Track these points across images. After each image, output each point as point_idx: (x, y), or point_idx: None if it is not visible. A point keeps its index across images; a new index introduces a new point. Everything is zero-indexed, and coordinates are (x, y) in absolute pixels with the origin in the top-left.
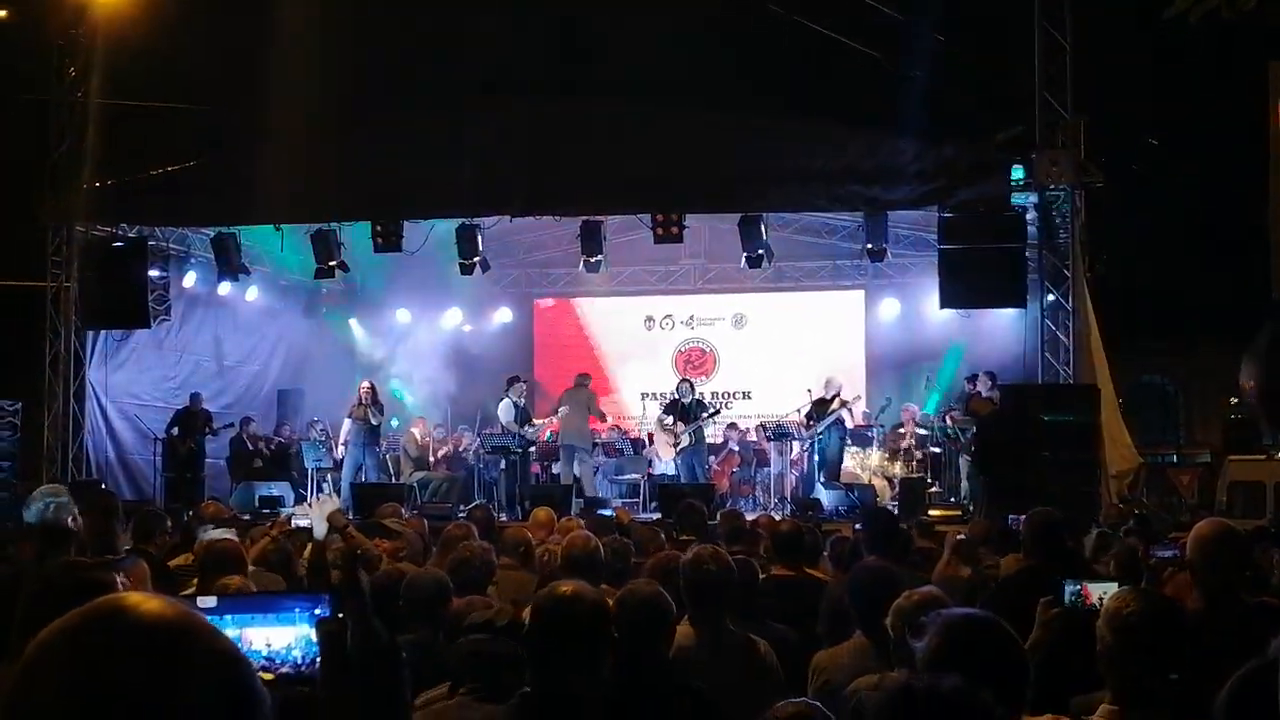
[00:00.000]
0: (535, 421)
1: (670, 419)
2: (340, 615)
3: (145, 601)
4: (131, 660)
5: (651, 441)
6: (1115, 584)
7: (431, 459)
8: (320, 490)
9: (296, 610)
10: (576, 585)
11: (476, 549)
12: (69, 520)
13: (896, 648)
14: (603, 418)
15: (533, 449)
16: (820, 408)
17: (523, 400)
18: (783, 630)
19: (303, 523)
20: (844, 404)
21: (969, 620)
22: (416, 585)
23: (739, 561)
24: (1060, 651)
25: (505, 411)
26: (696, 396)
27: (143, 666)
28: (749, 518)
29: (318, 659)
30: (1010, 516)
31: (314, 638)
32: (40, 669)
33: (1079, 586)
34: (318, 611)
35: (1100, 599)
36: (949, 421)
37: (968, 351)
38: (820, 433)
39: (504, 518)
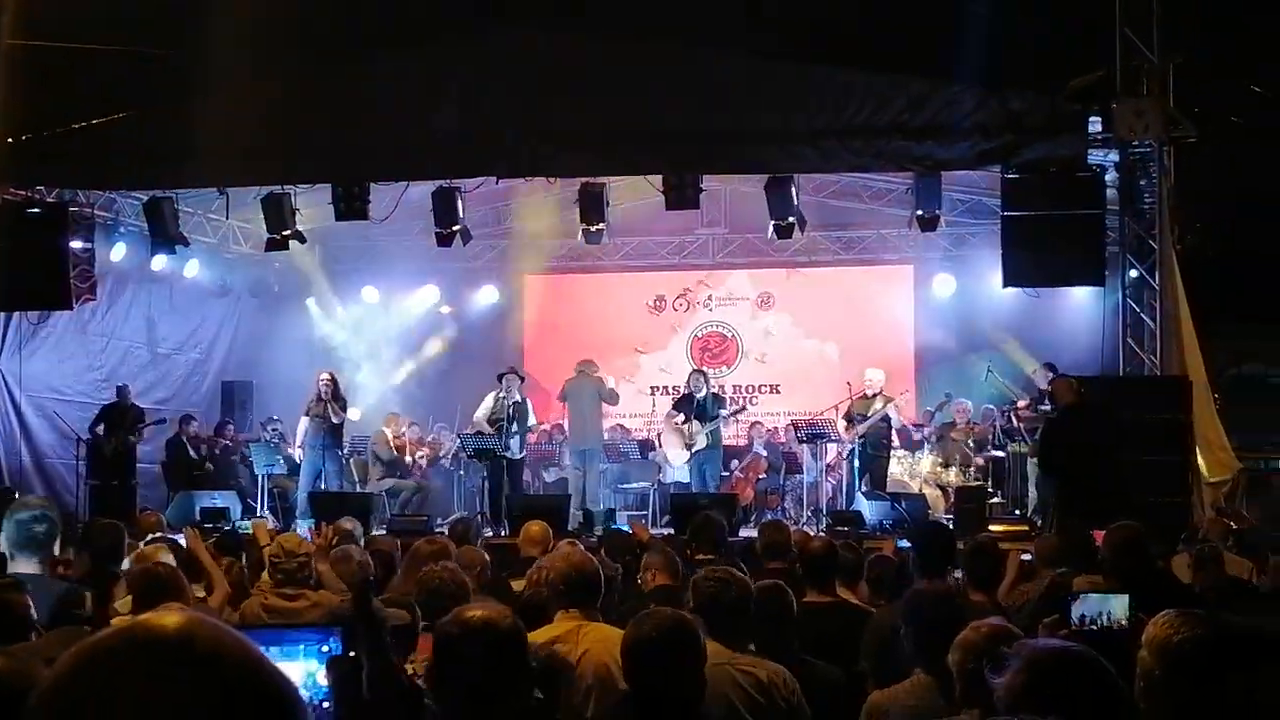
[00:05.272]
0: (529, 422)
1: (681, 417)
2: (354, 653)
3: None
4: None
5: (661, 443)
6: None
7: (410, 462)
8: (271, 500)
9: (302, 646)
10: (489, 610)
11: (445, 573)
12: (55, 546)
13: (964, 686)
14: (615, 400)
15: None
16: (863, 405)
17: (511, 399)
18: (825, 667)
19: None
20: (889, 400)
21: (1058, 654)
22: None
23: (766, 587)
24: None
25: (482, 408)
26: (713, 390)
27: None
28: None
29: (326, 703)
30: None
31: (323, 679)
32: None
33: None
34: (327, 648)
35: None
36: (1014, 420)
37: (1036, 339)
38: (863, 435)
39: (488, 534)
